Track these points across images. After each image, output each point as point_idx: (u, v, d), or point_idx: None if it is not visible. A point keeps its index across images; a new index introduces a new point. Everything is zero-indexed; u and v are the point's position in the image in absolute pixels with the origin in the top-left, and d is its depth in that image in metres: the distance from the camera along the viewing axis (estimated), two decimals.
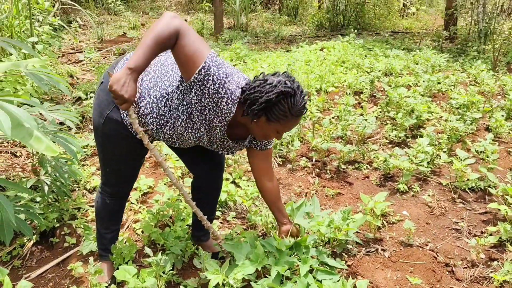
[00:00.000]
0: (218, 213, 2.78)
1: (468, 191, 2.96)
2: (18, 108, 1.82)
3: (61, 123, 3.89)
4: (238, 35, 9.46)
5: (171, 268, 2.10)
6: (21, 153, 3.67)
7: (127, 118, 1.74)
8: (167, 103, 1.70)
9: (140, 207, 2.86)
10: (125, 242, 2.42)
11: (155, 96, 1.71)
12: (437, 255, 2.38)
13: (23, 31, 6.34)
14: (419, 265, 2.27)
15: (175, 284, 2.15)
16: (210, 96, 1.62)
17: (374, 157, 3.49)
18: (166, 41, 1.51)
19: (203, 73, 1.57)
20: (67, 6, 9.40)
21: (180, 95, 1.67)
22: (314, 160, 3.49)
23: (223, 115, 1.68)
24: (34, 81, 2.54)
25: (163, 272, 1.99)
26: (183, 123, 1.71)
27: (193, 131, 1.73)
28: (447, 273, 2.27)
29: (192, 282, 2.05)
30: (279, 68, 5.83)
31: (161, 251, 2.25)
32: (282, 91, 1.61)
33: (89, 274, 2.01)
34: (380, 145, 3.75)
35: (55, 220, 2.67)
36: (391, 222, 2.68)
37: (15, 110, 1.80)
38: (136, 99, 1.72)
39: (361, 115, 4.16)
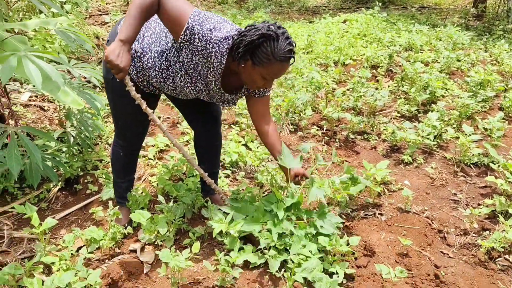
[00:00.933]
0: (228, 172, 2.96)
1: (471, 165, 3.06)
2: (47, 64, 1.99)
3: (87, 81, 4.10)
4: (262, 4, 9.43)
5: (182, 216, 2.31)
6: (48, 107, 3.90)
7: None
8: (167, 58, 1.84)
9: (156, 162, 3.07)
10: (141, 192, 2.64)
11: (156, 51, 1.85)
12: (432, 222, 2.52)
13: None
14: (413, 229, 2.41)
15: (184, 232, 2.36)
16: (200, 53, 1.74)
17: (383, 129, 3.59)
18: (149, 9, 1.62)
19: (188, 34, 1.69)
20: None
21: (175, 52, 1.81)
22: (324, 129, 3.61)
23: (214, 69, 1.79)
24: (62, 39, 2.71)
25: (174, 219, 2.20)
26: (181, 78, 1.86)
27: (192, 85, 1.88)
28: (439, 238, 2.41)
29: (199, 230, 2.25)
30: (299, 39, 5.87)
31: (173, 201, 2.46)
32: (264, 33, 1.68)
33: (108, 217, 2.23)
34: (391, 118, 3.83)
35: (79, 169, 2.90)
36: (392, 190, 2.81)
37: (44, 66, 1.97)
38: (139, 54, 1.87)
39: (376, 88, 4.23)
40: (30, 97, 3.95)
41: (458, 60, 4.88)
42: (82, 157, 2.97)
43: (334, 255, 2.07)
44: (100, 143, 3.36)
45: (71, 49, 4.92)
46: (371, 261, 2.19)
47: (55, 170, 2.89)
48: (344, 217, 2.51)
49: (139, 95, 1.79)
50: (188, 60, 1.78)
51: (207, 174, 2.19)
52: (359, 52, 5.27)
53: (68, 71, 3.27)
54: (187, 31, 1.69)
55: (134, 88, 1.77)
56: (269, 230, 2.05)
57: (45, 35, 4.57)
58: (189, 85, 1.88)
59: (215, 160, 2.48)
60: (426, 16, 7.94)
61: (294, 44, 1.73)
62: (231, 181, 2.92)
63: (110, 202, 2.32)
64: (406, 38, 5.61)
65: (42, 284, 1.78)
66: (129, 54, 1.64)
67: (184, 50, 1.76)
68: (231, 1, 9.53)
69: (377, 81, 4.55)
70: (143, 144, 3.21)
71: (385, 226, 2.47)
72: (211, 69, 1.80)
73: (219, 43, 1.73)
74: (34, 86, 2.13)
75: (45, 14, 4.72)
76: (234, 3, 9.47)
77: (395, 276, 1.80)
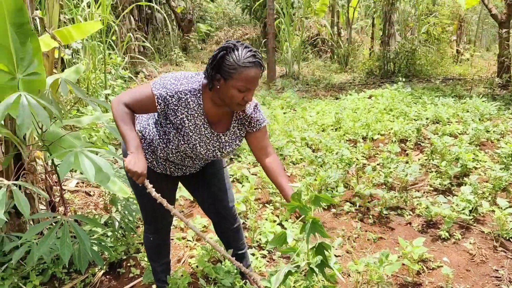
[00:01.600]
0: (265, 252, 3.02)
1: (510, 240, 3.00)
2: (99, 158, 2.23)
3: None
4: (289, 83, 9.94)
5: None
6: (94, 192, 4.17)
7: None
8: (161, 124, 2.05)
9: (195, 244, 3.18)
10: (181, 275, 2.72)
11: (152, 123, 2.09)
12: None
13: (98, 83, 7.16)
14: None
15: None
16: (180, 107, 1.92)
17: (417, 204, 3.60)
18: (126, 113, 1.88)
19: (161, 102, 1.90)
20: (135, 60, 10.41)
21: (163, 117, 2.02)
22: (357, 205, 3.67)
23: (197, 111, 1.94)
24: (110, 131, 3.00)
25: None
26: (175, 137, 2.01)
27: (185, 141, 1.99)
28: None
29: None
30: (327, 117, 6.11)
31: (212, 284, 2.52)
32: (223, 47, 1.82)
33: None
34: (424, 192, 3.85)
35: (123, 253, 3.04)
36: (431, 268, 2.78)
37: (97, 159, 2.21)
38: (142, 133, 2.12)
39: (406, 162, 4.30)
40: (77, 183, 4.24)
41: (487, 131, 4.93)
42: (126, 241, 3.12)
43: None
44: (141, 225, 3.52)
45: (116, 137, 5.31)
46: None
47: (101, 254, 3.04)
48: None
49: (159, 195, 1.90)
50: (175, 118, 1.96)
51: (234, 258, 2.28)
52: (386, 127, 5.43)
53: (115, 160, 3.55)
54: (159, 100, 1.90)
55: (154, 190, 1.90)
56: None
57: (92, 125, 4.99)
58: (182, 142, 2.00)
59: (237, 241, 2.52)
60: (451, 87, 8.11)
61: (255, 51, 1.84)
62: (267, 261, 2.97)
63: (154, 287, 2.41)
64: (432, 111, 5.75)
65: None
66: (143, 158, 1.83)
67: (168, 113, 1.97)
68: (260, 82, 10.10)
69: (407, 155, 4.63)
70: (182, 226, 3.35)
71: None
72: (195, 114, 1.95)
73: (190, 88, 1.91)
74: (86, 178, 2.36)
75: (93, 108, 5.17)
76: (263, 83, 10.02)
77: None
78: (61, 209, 3.58)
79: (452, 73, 10.98)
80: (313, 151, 4.95)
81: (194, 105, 1.95)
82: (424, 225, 3.34)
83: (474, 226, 3.23)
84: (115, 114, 1.87)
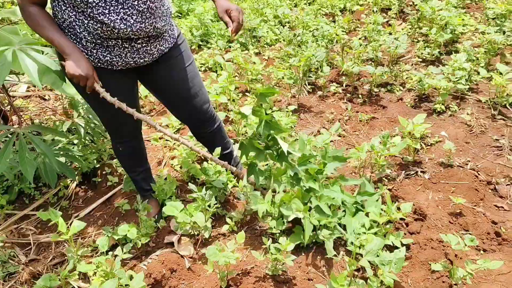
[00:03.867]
0: None
1: (508, 107, 2.85)
2: (43, 56, 1.78)
3: None
4: None
5: (215, 202, 2.15)
6: (49, 96, 3.68)
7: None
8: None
9: (174, 143, 2.88)
10: (165, 178, 2.47)
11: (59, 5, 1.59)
12: (479, 174, 2.35)
13: None
14: (461, 184, 2.25)
15: (219, 217, 2.22)
16: None
17: (407, 78, 3.36)
18: (42, 17, 1.56)
19: None
20: None
21: None
22: (344, 85, 3.39)
23: None
24: None
25: (209, 206, 2.04)
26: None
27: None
28: (490, 191, 2.25)
29: (237, 214, 2.10)
30: None
31: (202, 186, 2.29)
32: None
33: (139, 214, 2.07)
34: (412, 64, 3.59)
35: (95, 161, 2.73)
36: (429, 144, 2.64)
37: (41, 58, 1.76)
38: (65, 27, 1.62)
39: (390, 33, 3.95)
40: (28, 87, 3.71)
41: None
42: (96, 148, 2.79)
43: (387, 224, 1.92)
44: None
45: None
46: (424, 226, 2.04)
47: (70, 165, 2.72)
48: (385, 180, 2.35)
49: (115, 98, 1.72)
50: None
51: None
52: None
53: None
54: None
55: (108, 94, 1.70)
56: (315, 209, 1.88)
57: None
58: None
59: (219, 144, 2.24)
60: None
61: None
62: None
63: (138, 196, 2.16)
64: None
65: None
66: (84, 57, 1.60)
67: None
68: None
69: (389, 25, 4.26)
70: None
71: (431, 184, 2.31)
72: None
73: None
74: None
75: None
76: None
77: (465, 245, 1.66)
78: (14, 118, 3.14)
79: None
80: (290, 29, 4.48)
81: None
82: (416, 100, 3.13)
83: (469, 96, 3.05)
84: (29, 24, 1.57)
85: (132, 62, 1.73)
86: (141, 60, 1.75)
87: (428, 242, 1.93)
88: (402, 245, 1.85)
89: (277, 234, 1.95)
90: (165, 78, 1.89)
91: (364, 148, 2.15)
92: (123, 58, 1.70)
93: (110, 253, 2.05)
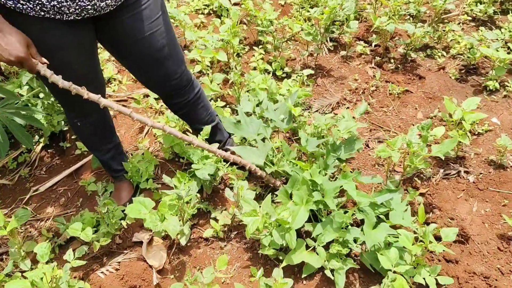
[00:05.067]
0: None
1: None
2: None
3: None
4: None
5: (196, 199, 1.68)
6: None
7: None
8: None
9: (161, 105, 2.37)
10: (142, 154, 1.99)
11: None
12: None
13: None
14: None
15: (204, 213, 1.76)
16: None
17: (451, 40, 2.73)
18: None
19: None
20: None
21: None
22: (374, 45, 2.78)
23: None
24: None
25: (188, 202, 1.58)
26: None
27: None
28: None
29: (224, 218, 1.64)
30: None
31: (186, 171, 1.81)
32: None
33: (99, 209, 1.62)
34: (459, 23, 2.94)
35: (63, 123, 2.25)
36: (477, 133, 2.09)
37: None
38: None
39: None
40: None
41: None
42: (61, 109, 2.28)
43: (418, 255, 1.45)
44: None
45: None
46: (465, 251, 1.57)
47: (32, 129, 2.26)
48: (417, 180, 1.85)
49: (70, 83, 1.30)
50: None
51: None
52: None
53: None
54: None
55: (60, 77, 1.28)
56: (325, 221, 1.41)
57: None
58: None
59: (201, 116, 1.76)
60: None
61: None
62: None
63: (100, 189, 1.68)
64: None
65: None
66: (13, 31, 1.15)
67: None
68: None
69: None
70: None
71: (476, 191, 1.81)
72: None
73: None
74: None
75: None
76: None
77: None
78: None
79: None
80: None
81: None
82: (462, 71, 2.54)
83: None
84: None
85: (89, 7, 1.19)
86: (101, 4, 1.21)
87: (470, 278, 1.47)
88: (437, 284, 1.39)
89: (272, 252, 1.49)
90: (131, 31, 1.36)
91: (397, 143, 1.62)
92: (76, 0, 1.16)
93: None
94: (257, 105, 2.06)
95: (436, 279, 1.38)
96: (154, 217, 1.49)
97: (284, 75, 2.55)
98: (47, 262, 1.46)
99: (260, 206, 1.46)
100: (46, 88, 1.80)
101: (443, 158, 1.66)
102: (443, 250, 1.35)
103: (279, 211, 1.42)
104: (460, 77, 2.49)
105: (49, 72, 1.25)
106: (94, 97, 1.35)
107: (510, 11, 2.98)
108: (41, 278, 1.34)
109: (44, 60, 1.25)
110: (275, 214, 1.40)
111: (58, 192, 2.04)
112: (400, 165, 1.86)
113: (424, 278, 1.38)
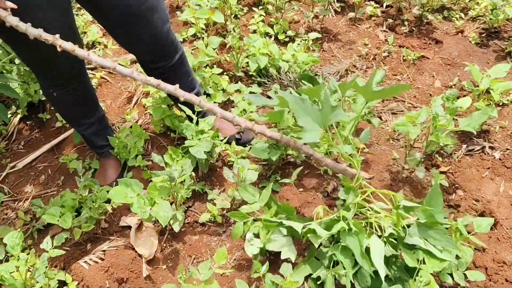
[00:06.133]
0: (255, 87, 2.04)
1: None
2: None
3: None
4: None
5: (195, 168, 1.48)
6: None
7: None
8: None
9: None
10: (130, 126, 1.79)
11: None
12: None
13: None
14: None
15: (199, 194, 1.57)
16: None
17: (470, 1, 2.49)
18: None
19: None
20: None
21: None
22: (385, 6, 2.53)
23: None
24: None
25: (182, 183, 1.39)
26: None
27: None
28: None
29: (222, 201, 1.45)
30: None
31: (178, 146, 1.61)
32: None
33: (79, 192, 1.42)
34: None
35: (41, 92, 2.02)
36: (501, 104, 1.89)
37: None
38: None
39: None
40: None
41: None
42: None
43: None
44: None
45: None
46: (492, 237, 1.41)
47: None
48: (438, 157, 1.66)
49: (40, 30, 1.09)
50: None
51: None
52: None
53: None
54: None
55: (29, 24, 1.08)
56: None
57: None
58: None
59: (182, 83, 1.50)
60: None
61: None
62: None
63: (80, 168, 1.48)
64: None
65: None
66: None
67: None
68: None
69: None
70: None
71: (502, 168, 1.62)
72: None
73: None
74: None
75: None
76: None
77: None
78: None
79: None
80: None
81: None
82: (483, 35, 2.30)
83: None
84: None
85: None
86: None
87: (499, 269, 1.30)
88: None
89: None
90: None
91: (421, 116, 1.42)
92: None
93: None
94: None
95: (464, 274, 1.21)
96: (143, 201, 1.30)
97: (287, 39, 2.31)
98: (23, 250, 1.29)
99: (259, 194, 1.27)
100: (14, 51, 1.55)
101: (475, 132, 1.46)
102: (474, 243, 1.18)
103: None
104: (481, 42, 2.26)
105: (15, 19, 1.04)
106: (68, 46, 1.12)
107: None
108: (11, 273, 1.17)
109: (10, 4, 1.03)
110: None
111: (37, 169, 1.84)
112: (419, 140, 1.67)
113: (450, 274, 1.21)
